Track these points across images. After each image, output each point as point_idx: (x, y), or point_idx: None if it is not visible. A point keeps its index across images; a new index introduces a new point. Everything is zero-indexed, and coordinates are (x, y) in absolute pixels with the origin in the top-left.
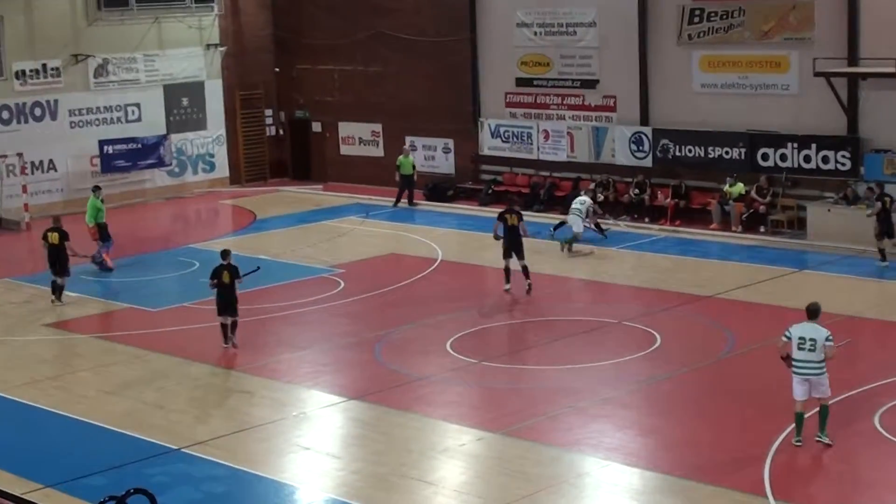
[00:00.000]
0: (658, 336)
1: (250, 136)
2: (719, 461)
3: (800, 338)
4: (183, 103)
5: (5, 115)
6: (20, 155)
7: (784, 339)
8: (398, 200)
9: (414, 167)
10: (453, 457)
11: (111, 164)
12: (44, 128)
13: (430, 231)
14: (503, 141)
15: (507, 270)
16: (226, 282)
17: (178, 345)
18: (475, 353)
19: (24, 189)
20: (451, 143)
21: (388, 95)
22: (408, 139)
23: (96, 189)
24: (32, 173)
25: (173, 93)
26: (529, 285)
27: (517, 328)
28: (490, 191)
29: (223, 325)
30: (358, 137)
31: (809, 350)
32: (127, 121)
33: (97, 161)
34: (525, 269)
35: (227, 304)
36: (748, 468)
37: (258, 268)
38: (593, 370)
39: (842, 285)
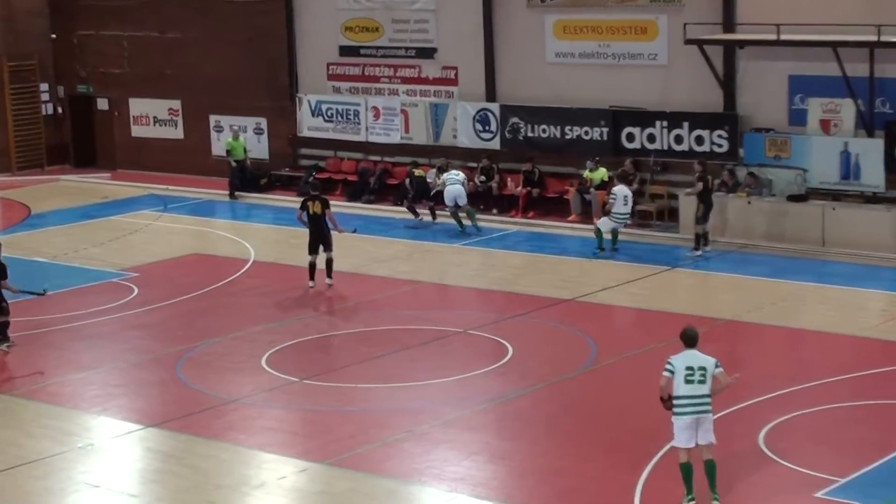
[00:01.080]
0: (509, 347)
1: (22, 116)
2: (581, 490)
3: (687, 368)
4: None
5: None
6: None
7: (667, 374)
8: (234, 191)
9: (246, 151)
10: (271, 492)
11: None
12: None
13: (240, 227)
14: (326, 120)
15: (311, 266)
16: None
17: None
18: (296, 369)
19: None
20: (263, 122)
21: (189, 67)
22: (213, 118)
23: None
24: None
25: None
26: (329, 285)
27: (345, 340)
28: (311, 178)
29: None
30: (153, 116)
31: (699, 382)
32: None
33: None
34: (329, 264)
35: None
36: (616, 498)
37: (44, 291)
38: (435, 388)
39: (718, 285)
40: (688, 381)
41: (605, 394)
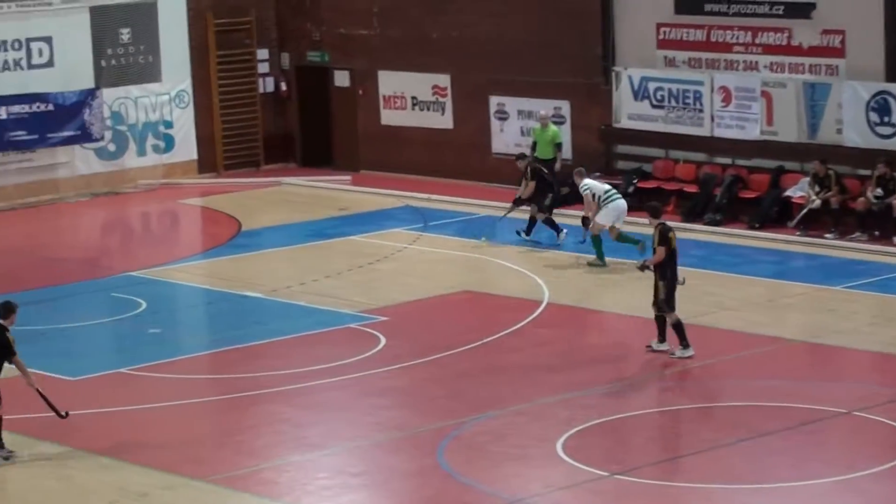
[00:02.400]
0: None
1: (233, 95)
2: None
3: None
4: (122, 37)
5: None
6: None
7: None
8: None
9: (559, 147)
10: None
11: (3, 138)
12: None
13: (530, 255)
14: (654, 105)
15: (664, 325)
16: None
17: (111, 438)
18: (604, 459)
19: None
20: (565, 107)
21: (462, 28)
22: (494, 100)
23: None
24: None
25: (106, 20)
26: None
27: (674, 420)
28: (631, 188)
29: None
30: (411, 97)
31: None
32: (30, 66)
33: None
34: (660, 321)
35: None
36: None
37: (66, 414)
38: (802, 493)
39: None
40: None
41: None
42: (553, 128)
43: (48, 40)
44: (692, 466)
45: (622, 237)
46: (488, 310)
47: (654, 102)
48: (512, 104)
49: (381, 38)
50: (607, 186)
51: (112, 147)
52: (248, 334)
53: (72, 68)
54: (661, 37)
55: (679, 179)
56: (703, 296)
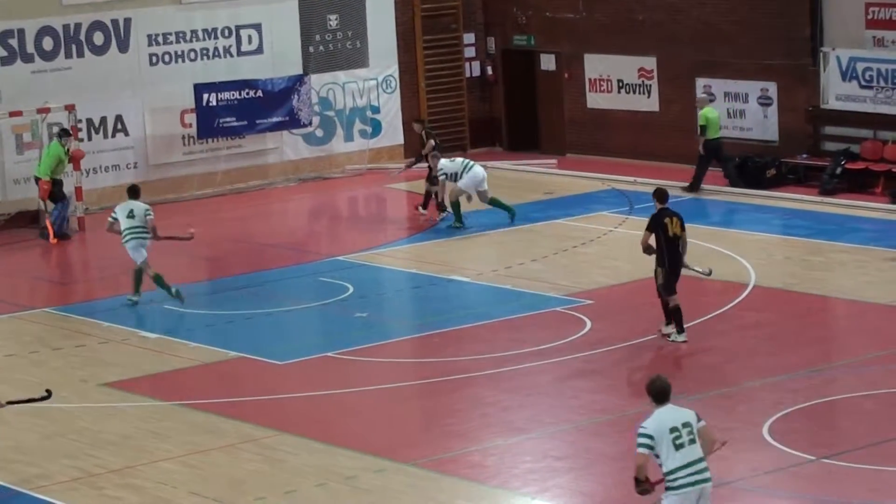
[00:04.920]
0: None
1: (439, 79)
2: None
3: (671, 430)
4: (330, 23)
5: (47, 43)
6: (71, 108)
7: (643, 449)
8: (698, 183)
9: (701, 129)
10: None
11: (214, 124)
12: (108, 64)
13: (736, 237)
14: (862, 86)
15: (675, 312)
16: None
17: (320, 421)
18: (811, 443)
19: (76, 163)
20: (772, 89)
21: (669, 10)
22: (700, 82)
23: (63, 133)
24: (90, 138)
25: (314, 6)
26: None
27: (882, 401)
28: (839, 170)
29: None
30: (617, 80)
31: (691, 443)
32: (239, 53)
33: (192, 118)
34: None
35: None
36: None
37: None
38: None
39: None
40: (678, 447)
41: None
42: (704, 109)
43: (257, 27)
44: None
45: (494, 201)
46: (694, 293)
47: (863, 83)
48: (719, 86)
49: (588, 22)
50: (460, 160)
51: (320, 132)
52: (453, 318)
53: (280, 55)
54: (869, 17)
55: (887, 160)
56: None
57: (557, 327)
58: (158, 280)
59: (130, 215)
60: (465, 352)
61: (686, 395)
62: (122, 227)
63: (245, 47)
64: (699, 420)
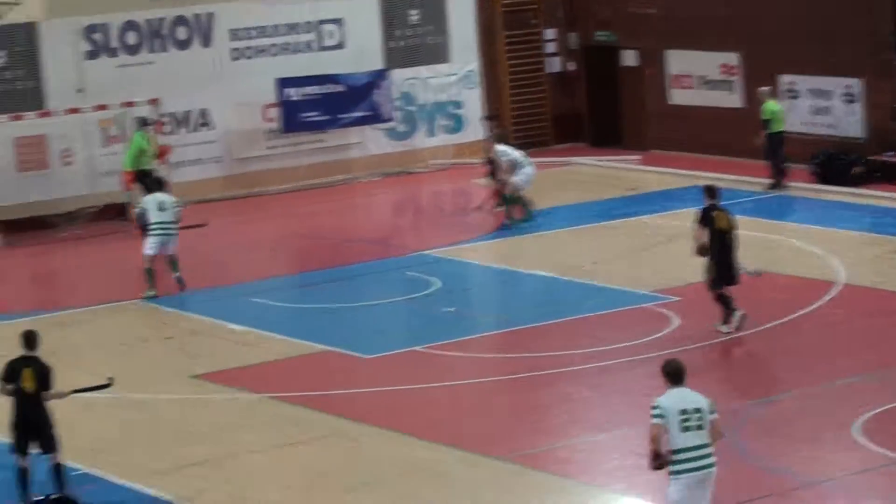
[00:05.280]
0: None
1: (521, 75)
2: None
3: (681, 412)
4: (411, 19)
5: (131, 37)
6: (155, 102)
7: (656, 420)
8: (779, 177)
9: (763, 123)
10: None
11: (297, 119)
12: (192, 59)
13: (823, 234)
14: None
15: (722, 300)
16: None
17: (406, 415)
18: None
19: (162, 155)
20: (856, 85)
21: (752, 5)
22: (784, 79)
23: (145, 123)
24: (174, 132)
25: (395, 1)
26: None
27: None
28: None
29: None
30: (699, 76)
31: (698, 428)
32: (321, 47)
33: (274, 113)
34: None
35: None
36: None
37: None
38: None
39: None
40: (685, 429)
41: None
42: (767, 102)
43: (339, 22)
44: None
45: (520, 200)
46: (782, 290)
47: None
48: (803, 83)
49: (669, 18)
50: (519, 152)
51: (402, 127)
52: (540, 314)
53: (362, 50)
54: None
55: None
56: None
57: (643, 324)
58: (174, 265)
59: (162, 208)
60: (551, 347)
61: (776, 395)
62: (152, 220)
63: (326, 42)
64: (713, 412)
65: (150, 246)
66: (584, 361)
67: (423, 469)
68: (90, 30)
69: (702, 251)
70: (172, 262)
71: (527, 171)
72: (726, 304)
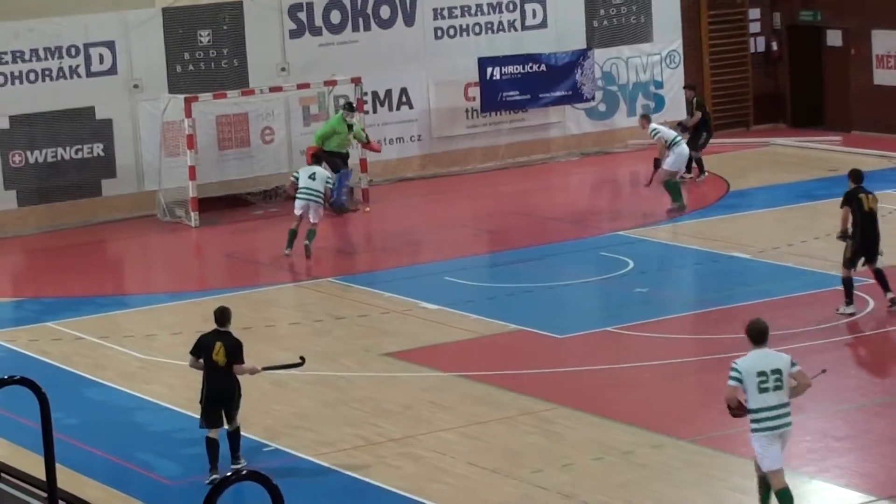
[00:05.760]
0: None
1: (724, 54)
2: None
3: (759, 373)
4: None
5: (335, 16)
6: (357, 81)
7: (733, 382)
8: None
9: None
10: None
11: (497, 98)
12: (394, 37)
13: None
14: None
15: (847, 284)
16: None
17: (597, 396)
18: None
19: (371, 148)
20: None
21: None
22: None
23: (349, 107)
24: (375, 111)
25: None
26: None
27: None
28: None
29: None
30: None
31: (776, 388)
32: (523, 27)
33: (475, 92)
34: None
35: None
36: None
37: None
38: None
39: None
40: (762, 391)
41: None
42: None
43: (542, 2)
44: None
45: (674, 186)
46: None
47: None
48: None
49: None
50: (674, 132)
51: (602, 107)
52: (734, 295)
53: (564, 29)
54: None
55: None
56: None
57: (839, 306)
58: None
59: (312, 177)
60: (734, 329)
61: None
62: (300, 186)
63: (529, 21)
64: (793, 365)
65: (296, 207)
66: (776, 343)
67: (614, 450)
68: (294, 9)
69: (843, 236)
70: (309, 231)
71: (680, 149)
72: (848, 289)
